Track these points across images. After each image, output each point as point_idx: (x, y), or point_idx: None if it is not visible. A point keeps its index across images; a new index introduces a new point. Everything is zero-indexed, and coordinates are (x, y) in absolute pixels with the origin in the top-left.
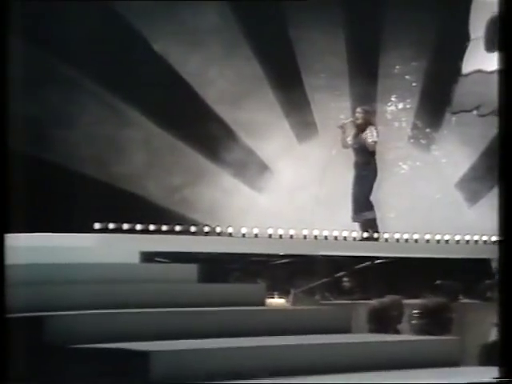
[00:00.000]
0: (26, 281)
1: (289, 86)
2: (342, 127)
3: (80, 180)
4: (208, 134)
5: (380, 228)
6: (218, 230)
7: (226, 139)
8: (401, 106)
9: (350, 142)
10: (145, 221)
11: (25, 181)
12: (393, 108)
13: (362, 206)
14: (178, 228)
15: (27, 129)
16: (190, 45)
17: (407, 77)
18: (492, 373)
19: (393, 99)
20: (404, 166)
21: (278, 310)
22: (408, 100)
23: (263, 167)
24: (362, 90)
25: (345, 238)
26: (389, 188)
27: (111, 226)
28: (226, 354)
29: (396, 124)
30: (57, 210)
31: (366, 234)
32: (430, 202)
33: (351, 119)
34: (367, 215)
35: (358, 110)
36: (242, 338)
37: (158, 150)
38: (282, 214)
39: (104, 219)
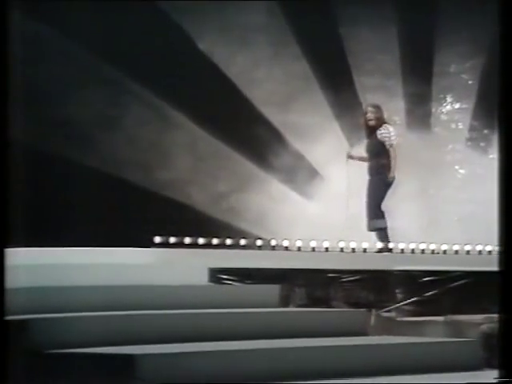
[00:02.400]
0: (76, 307)
1: (339, 86)
2: (352, 157)
3: (124, 187)
4: (255, 138)
5: (392, 239)
6: (286, 243)
7: (273, 143)
8: (457, 106)
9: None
10: (195, 233)
11: (67, 187)
12: (448, 108)
13: (374, 213)
14: (242, 242)
15: (69, 132)
16: (236, 44)
17: (463, 75)
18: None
19: (448, 99)
20: (461, 171)
21: (385, 346)
22: (465, 100)
23: (313, 173)
24: (416, 89)
25: (423, 251)
26: (446, 193)
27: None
28: None
29: (452, 125)
30: (103, 220)
31: (444, 247)
32: (489, 209)
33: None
34: (379, 224)
35: (369, 108)
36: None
37: (203, 155)
38: (334, 223)
39: (162, 232)
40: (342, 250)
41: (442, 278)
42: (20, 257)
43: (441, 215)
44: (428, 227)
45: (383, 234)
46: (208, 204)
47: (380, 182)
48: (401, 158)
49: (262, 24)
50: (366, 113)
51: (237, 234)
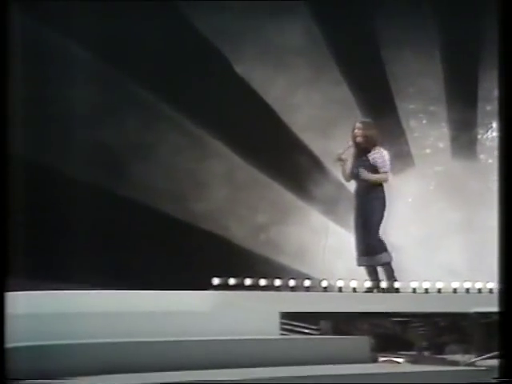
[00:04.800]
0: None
1: (381, 111)
2: (341, 160)
3: (158, 218)
4: (294, 166)
5: (396, 274)
6: (353, 285)
7: (313, 171)
8: None
9: (348, 171)
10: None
11: (97, 218)
12: (494, 135)
13: (374, 246)
14: (307, 283)
15: (100, 158)
16: (274, 67)
17: None
18: None
19: (494, 125)
20: None
21: None
22: None
23: None
24: (461, 115)
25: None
26: (493, 225)
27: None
28: None
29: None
30: (141, 257)
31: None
32: None
33: (349, 144)
34: (381, 258)
35: (358, 124)
36: None
37: (241, 185)
38: None
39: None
40: (414, 290)
41: None
42: (44, 302)
43: (488, 249)
44: (476, 262)
45: (388, 269)
46: (246, 237)
47: (375, 209)
48: (445, 187)
49: (300, 46)
50: (354, 128)
51: (276, 269)
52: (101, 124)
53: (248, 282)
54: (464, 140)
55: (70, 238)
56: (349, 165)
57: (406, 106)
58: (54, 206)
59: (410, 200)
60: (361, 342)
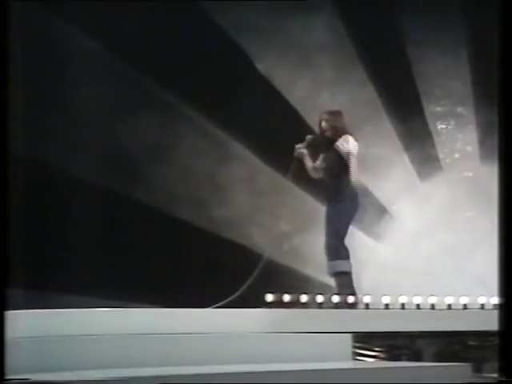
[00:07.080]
0: None
1: (408, 114)
2: (301, 155)
3: (176, 226)
4: None
5: (356, 288)
6: (416, 301)
7: None
8: None
9: (318, 166)
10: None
11: (113, 226)
12: None
13: (334, 252)
14: (366, 299)
15: (118, 162)
16: (297, 66)
17: None
18: None
19: None
20: None
21: None
22: None
23: (381, 210)
24: (490, 117)
25: None
26: None
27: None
28: None
29: None
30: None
31: None
32: None
33: (309, 138)
34: (340, 266)
35: (324, 116)
36: None
37: (263, 190)
38: (407, 266)
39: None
40: (465, 306)
41: None
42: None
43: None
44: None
45: (345, 281)
46: (268, 246)
47: (340, 211)
48: (473, 193)
49: (324, 44)
50: (320, 122)
51: (300, 279)
52: (116, 124)
53: (304, 298)
54: (492, 144)
55: (86, 246)
56: (312, 162)
57: (433, 108)
58: (67, 211)
59: (438, 204)
60: (463, 371)
